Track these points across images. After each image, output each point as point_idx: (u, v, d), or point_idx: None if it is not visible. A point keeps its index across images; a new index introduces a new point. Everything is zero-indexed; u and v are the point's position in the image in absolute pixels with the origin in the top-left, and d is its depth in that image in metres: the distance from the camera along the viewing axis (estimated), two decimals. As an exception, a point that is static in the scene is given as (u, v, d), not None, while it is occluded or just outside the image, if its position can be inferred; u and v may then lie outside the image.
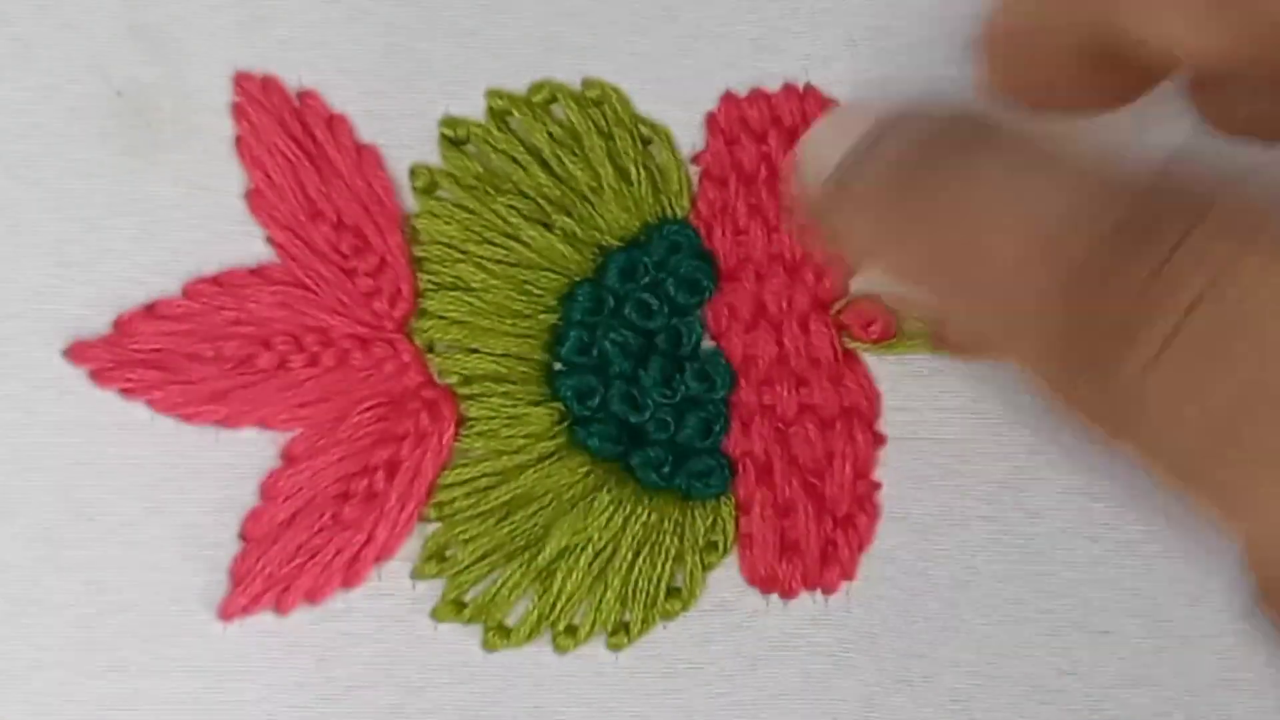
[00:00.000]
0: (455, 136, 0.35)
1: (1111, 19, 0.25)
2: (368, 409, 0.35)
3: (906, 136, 0.24)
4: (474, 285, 0.35)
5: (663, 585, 0.35)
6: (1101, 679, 0.35)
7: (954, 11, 0.36)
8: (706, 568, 0.35)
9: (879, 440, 0.35)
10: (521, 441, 0.35)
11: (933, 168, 0.24)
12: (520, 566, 0.35)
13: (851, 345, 0.35)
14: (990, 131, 0.24)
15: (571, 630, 0.35)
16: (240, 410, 0.35)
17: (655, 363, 0.35)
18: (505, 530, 0.35)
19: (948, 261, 0.24)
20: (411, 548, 0.35)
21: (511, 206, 0.35)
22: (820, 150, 0.26)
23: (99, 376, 0.34)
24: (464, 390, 0.35)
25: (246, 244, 0.35)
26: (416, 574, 0.35)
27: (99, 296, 0.35)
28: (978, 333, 0.25)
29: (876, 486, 0.35)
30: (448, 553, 0.35)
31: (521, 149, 0.35)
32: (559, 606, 0.35)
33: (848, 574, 0.35)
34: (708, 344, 0.36)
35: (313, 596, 0.35)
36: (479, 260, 0.35)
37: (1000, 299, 0.23)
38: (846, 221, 0.25)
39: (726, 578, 0.35)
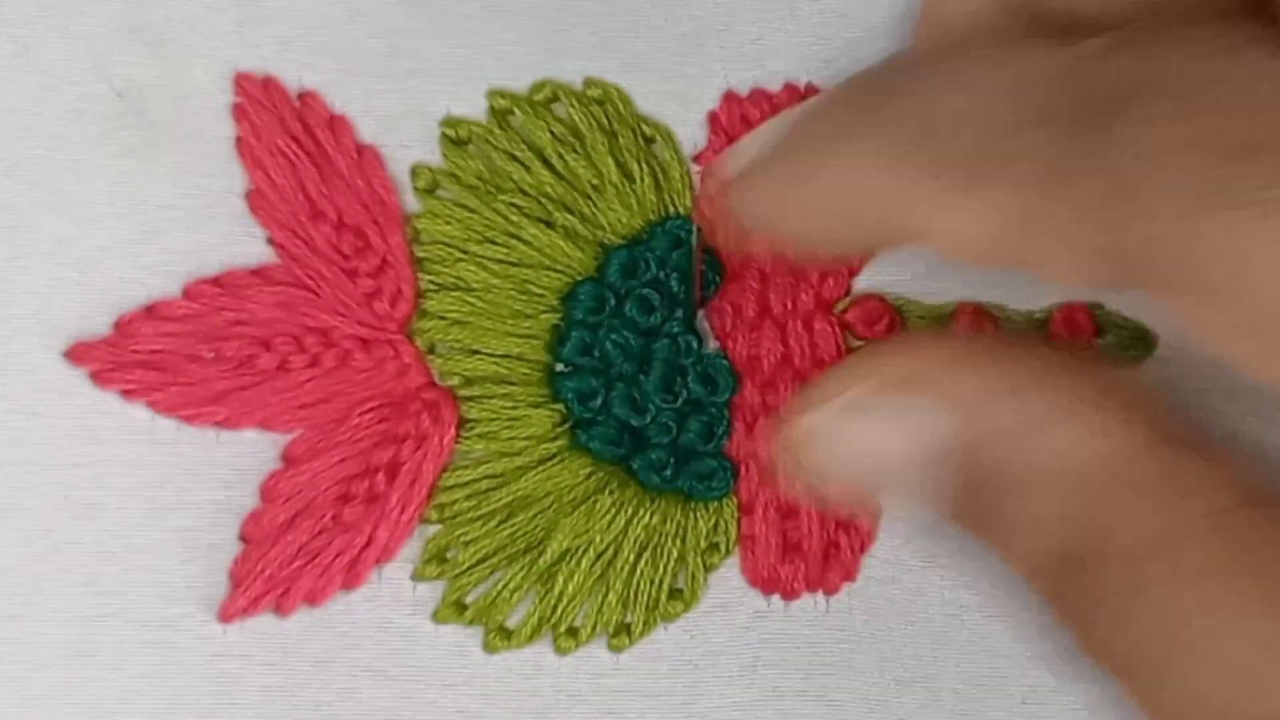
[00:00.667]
0: (456, 136, 0.35)
1: None
2: (369, 410, 0.35)
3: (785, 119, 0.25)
4: (475, 285, 0.35)
5: (664, 587, 0.35)
6: (1101, 679, 0.35)
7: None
8: (708, 569, 0.35)
9: (882, 441, 0.35)
10: (523, 444, 0.35)
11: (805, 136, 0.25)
12: (521, 568, 0.35)
13: (856, 345, 0.35)
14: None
15: (573, 632, 0.35)
16: (241, 411, 0.35)
17: (657, 367, 0.35)
18: (506, 532, 0.35)
19: (899, 136, 0.25)
20: (412, 550, 0.35)
21: (513, 205, 0.35)
22: (731, 159, 0.27)
23: (99, 378, 0.34)
24: (465, 392, 0.35)
25: (247, 245, 0.35)
26: (417, 576, 0.35)
27: (99, 297, 0.35)
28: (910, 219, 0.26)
29: (887, 491, 0.35)
30: (449, 555, 0.35)
31: (523, 148, 0.35)
32: (560, 608, 0.35)
33: (850, 575, 0.35)
34: (712, 346, 0.36)
35: (313, 598, 0.35)
36: (480, 260, 0.35)
37: (974, 136, 0.24)
38: (745, 199, 0.26)
39: (728, 579, 0.35)
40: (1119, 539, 0.24)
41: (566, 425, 0.35)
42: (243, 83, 0.35)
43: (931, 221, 0.25)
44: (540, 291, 0.35)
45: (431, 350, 0.35)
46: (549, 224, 0.35)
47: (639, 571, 0.35)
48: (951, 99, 0.24)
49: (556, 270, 0.35)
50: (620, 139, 0.35)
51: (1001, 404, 0.25)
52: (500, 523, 0.35)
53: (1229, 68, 0.22)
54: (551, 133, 0.35)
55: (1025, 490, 0.25)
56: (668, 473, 0.35)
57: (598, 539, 0.35)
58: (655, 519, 0.35)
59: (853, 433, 0.27)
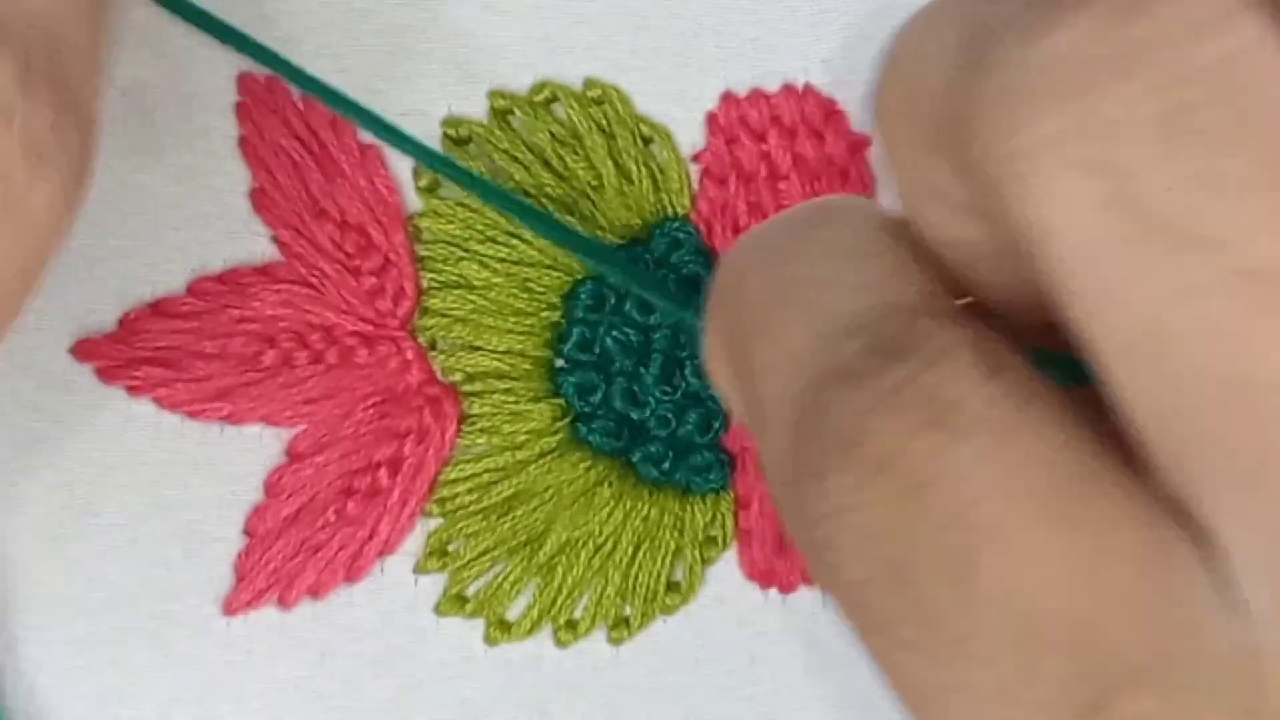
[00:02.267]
0: (457, 136, 0.36)
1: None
2: (371, 406, 0.35)
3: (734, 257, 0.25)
4: (476, 283, 0.35)
5: (663, 580, 0.35)
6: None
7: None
8: (706, 562, 0.35)
9: (878, 436, 0.36)
10: (523, 438, 0.35)
11: (785, 232, 0.24)
12: (522, 561, 0.35)
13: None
14: (858, 207, 0.24)
15: (572, 624, 0.35)
16: (245, 407, 0.35)
17: (656, 360, 0.36)
18: (507, 525, 0.35)
19: (733, 344, 0.24)
20: (414, 543, 0.35)
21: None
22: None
23: (105, 373, 0.35)
24: (467, 387, 0.35)
25: (251, 243, 0.35)
26: (419, 569, 0.35)
27: (105, 295, 0.35)
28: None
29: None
30: (450, 548, 0.35)
31: (523, 148, 0.36)
32: (560, 601, 0.35)
33: (846, 568, 0.35)
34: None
35: (316, 591, 0.35)
36: (482, 258, 0.35)
37: (763, 390, 0.23)
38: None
39: (726, 572, 0.36)
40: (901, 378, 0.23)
41: (566, 419, 0.36)
42: (246, 83, 0.35)
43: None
44: (541, 290, 0.36)
45: (433, 347, 0.36)
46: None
47: (637, 564, 0.35)
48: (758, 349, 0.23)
49: (557, 269, 0.36)
50: (619, 139, 0.36)
51: None
52: (501, 516, 0.35)
53: (922, 464, 0.21)
54: (551, 133, 0.36)
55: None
56: (666, 465, 0.35)
57: (597, 532, 0.35)
58: (653, 512, 0.35)
59: None
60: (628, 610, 0.35)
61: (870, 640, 0.22)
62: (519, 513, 0.35)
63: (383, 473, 0.35)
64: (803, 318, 0.22)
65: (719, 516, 0.35)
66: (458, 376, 0.35)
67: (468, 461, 0.35)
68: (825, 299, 0.22)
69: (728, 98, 0.36)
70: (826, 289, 0.23)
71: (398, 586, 0.35)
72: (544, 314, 0.36)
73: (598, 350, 0.36)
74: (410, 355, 0.35)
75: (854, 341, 0.22)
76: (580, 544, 0.35)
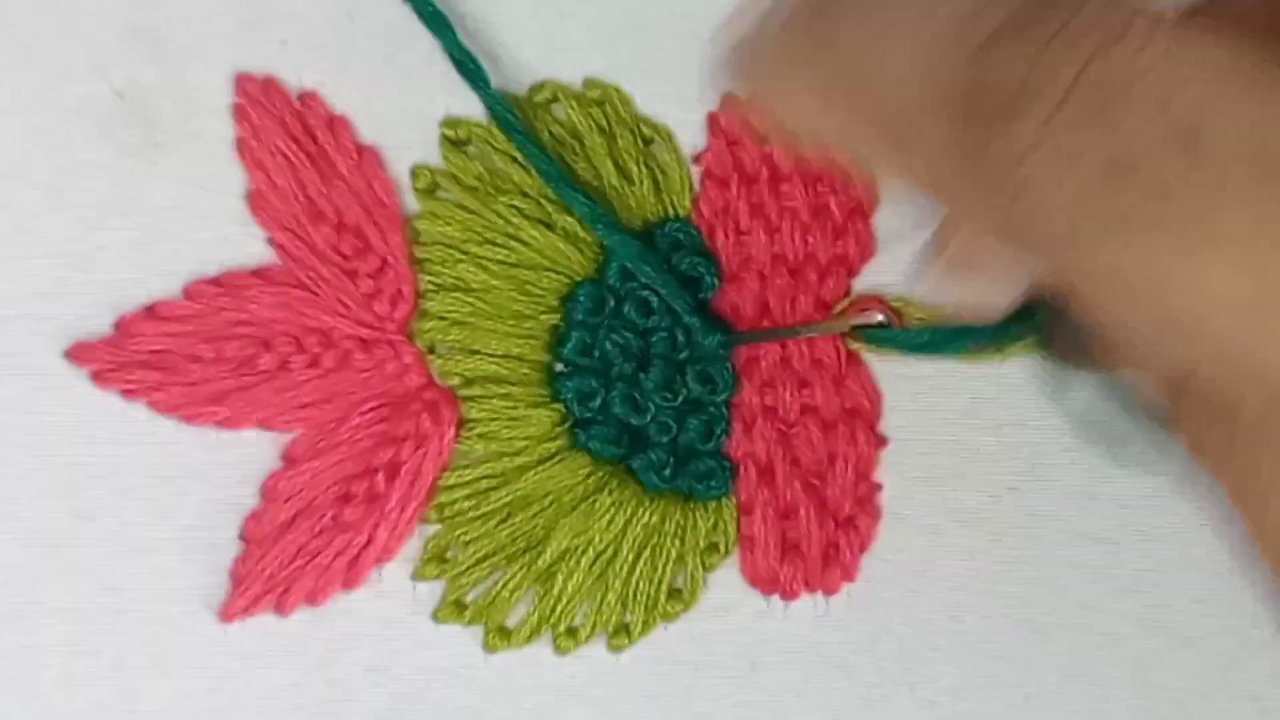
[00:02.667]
0: (456, 137, 0.35)
1: None
2: (369, 410, 0.35)
3: None
4: (475, 286, 0.35)
5: (664, 586, 0.35)
6: (1101, 679, 0.36)
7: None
8: (708, 569, 0.35)
9: (880, 442, 0.35)
10: (522, 443, 0.35)
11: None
12: (521, 568, 0.35)
13: (855, 347, 0.35)
14: None
15: (572, 631, 0.35)
16: (241, 411, 0.35)
17: (657, 366, 0.35)
18: (506, 532, 0.35)
19: (849, 77, 0.24)
20: (412, 549, 0.35)
21: (512, 206, 0.35)
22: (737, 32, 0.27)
23: (100, 378, 0.34)
24: (465, 392, 0.35)
25: (247, 245, 0.35)
26: (417, 575, 0.35)
27: (100, 298, 0.35)
28: (874, 152, 0.25)
29: (878, 488, 0.35)
30: (448, 554, 0.35)
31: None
32: (560, 608, 0.35)
33: (849, 575, 0.35)
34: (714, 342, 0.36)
35: (313, 598, 0.35)
36: (480, 261, 0.35)
37: (899, 99, 0.24)
38: (758, 72, 0.26)
39: (728, 579, 0.35)
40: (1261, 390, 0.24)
41: (566, 425, 0.35)
42: (243, 83, 0.35)
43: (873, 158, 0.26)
44: (540, 292, 0.35)
45: (431, 350, 0.35)
46: (548, 225, 0.35)
47: (638, 571, 0.35)
48: (882, 53, 0.24)
49: (556, 271, 0.35)
50: (619, 140, 0.35)
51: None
52: (500, 522, 0.35)
53: (1117, 71, 0.22)
54: (551, 134, 0.35)
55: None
56: (667, 472, 0.35)
57: (597, 539, 0.35)
58: (654, 519, 0.35)
59: None
60: (628, 617, 0.35)
61: (1098, 255, 0.22)
62: (518, 519, 0.35)
63: (380, 478, 0.35)
64: (929, 20, 0.23)
65: (721, 523, 0.35)
66: (456, 380, 0.35)
67: (466, 467, 0.35)
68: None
69: (729, 98, 0.35)
70: None
71: (396, 593, 0.35)
72: (543, 317, 0.35)
73: (597, 354, 0.35)
74: (408, 359, 0.35)
75: (994, 7, 0.23)
76: (581, 551, 0.35)
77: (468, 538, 0.35)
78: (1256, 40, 0.22)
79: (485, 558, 0.35)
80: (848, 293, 0.36)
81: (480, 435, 0.35)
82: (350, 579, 0.35)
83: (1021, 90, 0.22)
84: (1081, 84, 0.22)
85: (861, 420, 0.35)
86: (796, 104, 0.26)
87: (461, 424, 0.35)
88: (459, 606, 0.35)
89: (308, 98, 0.35)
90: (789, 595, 0.35)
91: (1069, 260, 0.23)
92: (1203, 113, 0.22)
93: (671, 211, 0.36)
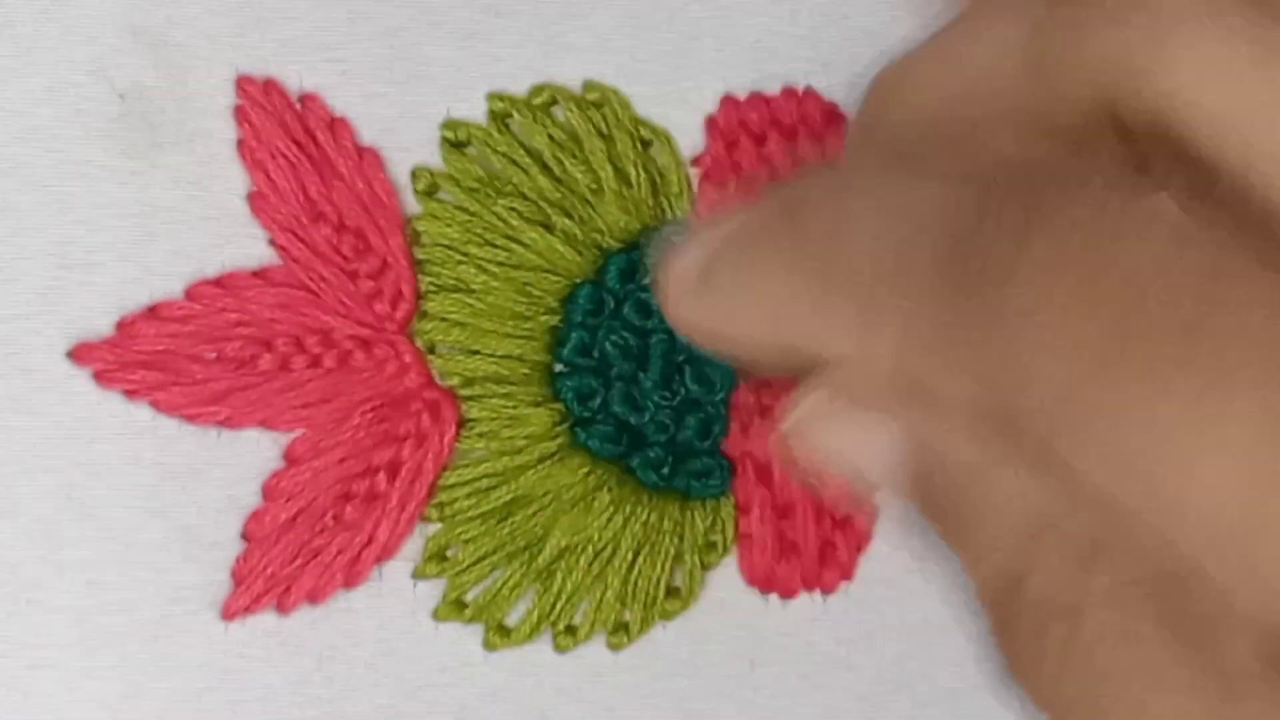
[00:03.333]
0: (456, 139, 0.35)
1: None
2: (369, 410, 0.35)
3: (752, 211, 0.24)
4: (475, 287, 0.35)
5: (662, 585, 0.35)
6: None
7: (948, 14, 0.36)
8: (706, 568, 0.35)
9: (878, 441, 0.36)
10: (522, 443, 0.35)
11: (793, 208, 0.23)
12: (521, 566, 0.35)
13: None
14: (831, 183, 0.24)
15: (571, 630, 0.35)
16: (242, 411, 0.35)
17: (655, 364, 0.35)
18: (506, 530, 0.35)
19: (820, 256, 0.23)
20: (413, 548, 0.35)
21: (512, 209, 0.35)
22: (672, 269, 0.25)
23: (102, 378, 0.34)
24: (465, 392, 0.35)
25: (248, 246, 0.35)
26: (418, 574, 0.35)
27: (101, 298, 0.35)
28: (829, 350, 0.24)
29: (875, 487, 0.36)
30: (449, 553, 0.35)
31: (522, 151, 0.36)
32: (559, 606, 0.35)
33: (847, 574, 0.35)
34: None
35: (314, 596, 0.35)
36: (480, 262, 0.35)
37: (867, 296, 0.22)
38: (679, 314, 0.25)
39: (726, 578, 0.35)
40: (1037, 589, 0.23)
41: (565, 424, 0.35)
42: (244, 85, 0.35)
43: (834, 352, 0.25)
44: (539, 294, 0.36)
45: (432, 350, 0.35)
46: (548, 227, 0.35)
47: (637, 570, 0.35)
48: (855, 229, 0.23)
49: (555, 273, 0.36)
50: (618, 143, 0.36)
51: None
52: (500, 521, 0.35)
53: (1119, 225, 0.21)
54: (550, 136, 0.36)
55: (978, 508, 0.24)
56: (665, 471, 0.35)
57: (596, 537, 0.35)
58: (653, 517, 0.35)
59: (833, 432, 0.26)
60: (627, 615, 0.35)
61: (1095, 437, 0.21)
62: (518, 518, 0.35)
63: (381, 477, 0.35)
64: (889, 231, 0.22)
65: (719, 522, 0.35)
66: (456, 380, 0.35)
67: (466, 466, 0.35)
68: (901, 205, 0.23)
69: (728, 101, 0.36)
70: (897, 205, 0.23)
71: (396, 592, 0.35)
72: (543, 318, 0.35)
73: (596, 355, 0.35)
74: (408, 359, 0.35)
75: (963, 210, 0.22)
76: (580, 549, 0.35)
77: (468, 536, 0.35)
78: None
79: (485, 556, 0.35)
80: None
81: (480, 434, 0.35)
82: (351, 577, 0.35)
83: (1016, 244, 0.21)
84: (1082, 234, 0.21)
85: (860, 420, 0.35)
86: (754, 299, 0.24)
87: (462, 423, 0.35)
88: (459, 605, 0.35)
89: (308, 99, 0.35)
90: (787, 594, 0.35)
91: (1055, 443, 0.22)
92: (1207, 303, 0.20)
93: (670, 214, 0.36)
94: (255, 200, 0.35)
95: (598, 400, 0.35)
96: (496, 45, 0.36)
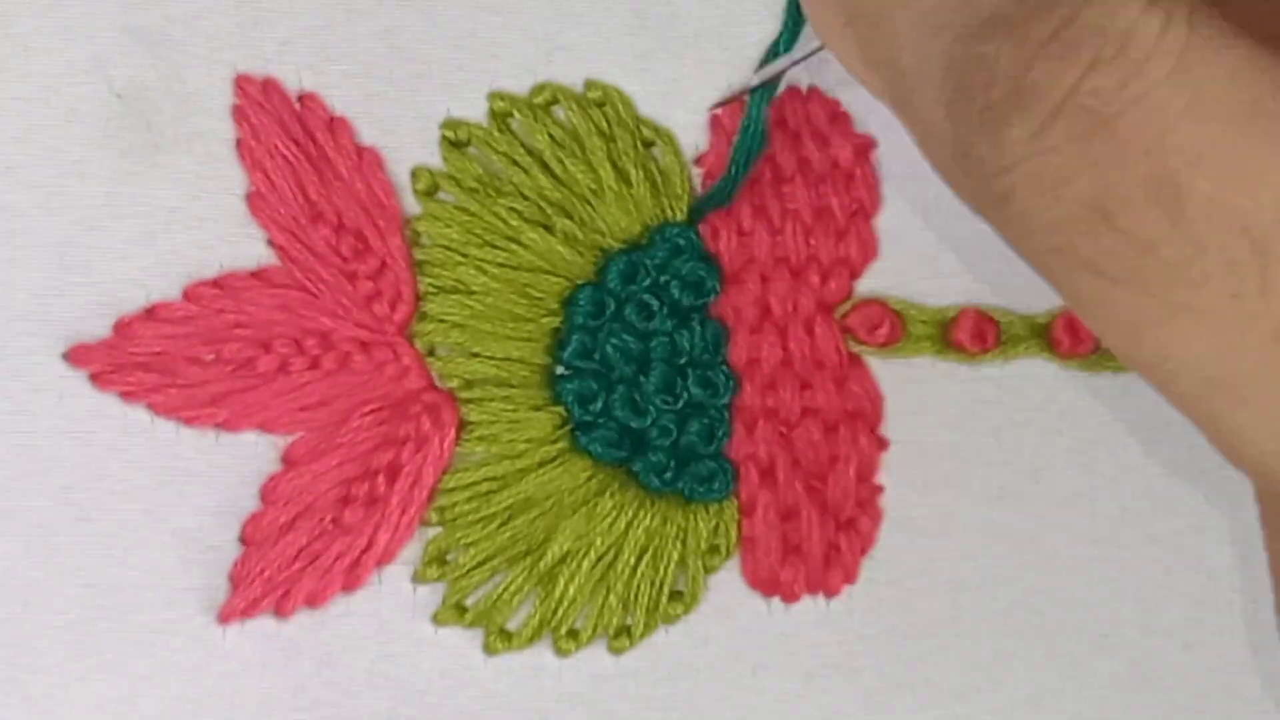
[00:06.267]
0: (456, 139, 0.35)
1: None
2: (368, 413, 0.35)
3: None
4: (475, 288, 0.35)
5: (665, 589, 0.35)
6: (1101, 681, 0.36)
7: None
8: (709, 571, 0.35)
9: (882, 444, 0.36)
10: (523, 446, 0.35)
11: None
12: (522, 571, 0.35)
13: (856, 349, 0.35)
14: None
15: (573, 634, 0.35)
16: (241, 413, 0.35)
17: (658, 369, 0.35)
18: (507, 534, 0.35)
19: (861, 20, 0.23)
20: (413, 552, 0.35)
21: (513, 209, 0.35)
22: None
23: (99, 379, 0.34)
24: (465, 394, 0.35)
25: (247, 247, 0.35)
26: (418, 578, 0.35)
27: (99, 299, 0.34)
28: (887, 93, 0.24)
29: (879, 490, 0.35)
30: (449, 557, 0.35)
31: (523, 151, 0.35)
32: (561, 610, 0.35)
33: (850, 577, 0.35)
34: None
35: (313, 600, 0.35)
36: (480, 263, 0.35)
37: (903, 58, 0.23)
38: None
39: (729, 581, 0.35)
40: None
41: (567, 428, 0.35)
42: (243, 85, 0.35)
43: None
44: (540, 295, 0.35)
45: (431, 353, 0.35)
46: (549, 228, 0.35)
47: (639, 574, 0.35)
48: (885, 12, 0.23)
49: (556, 274, 0.35)
50: (619, 143, 0.35)
51: None
52: (501, 525, 0.35)
53: (1108, 95, 0.21)
54: (551, 136, 0.35)
55: None
56: (668, 475, 0.35)
57: (598, 541, 0.35)
58: (656, 521, 0.35)
59: None
60: (629, 619, 0.35)
61: (1074, 285, 0.21)
62: (519, 522, 0.35)
63: (380, 480, 0.35)
64: None
65: (722, 525, 0.35)
66: (456, 383, 0.35)
67: (466, 470, 0.35)
68: None
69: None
70: None
71: (396, 596, 0.35)
72: (543, 320, 0.35)
73: (598, 357, 0.35)
74: (408, 361, 0.35)
75: None
76: (582, 554, 0.35)
77: (468, 540, 0.35)
78: (1267, 56, 0.21)
79: (486, 560, 0.35)
80: (850, 295, 0.36)
81: (480, 438, 0.35)
82: (350, 581, 0.35)
83: (1013, 95, 0.21)
84: (1072, 103, 0.21)
85: (863, 422, 0.35)
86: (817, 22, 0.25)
87: (462, 426, 0.35)
88: (459, 609, 0.35)
89: (307, 99, 0.35)
90: (790, 597, 0.35)
91: (1050, 279, 0.22)
92: (1188, 166, 0.20)
93: (672, 214, 0.36)
94: (254, 200, 0.35)
95: (599, 404, 0.35)
96: (497, 44, 0.35)
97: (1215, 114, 0.20)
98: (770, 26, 0.36)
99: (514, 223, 0.35)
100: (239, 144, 0.35)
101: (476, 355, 0.35)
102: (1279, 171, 0.20)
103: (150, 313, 0.35)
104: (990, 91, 0.21)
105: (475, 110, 0.35)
